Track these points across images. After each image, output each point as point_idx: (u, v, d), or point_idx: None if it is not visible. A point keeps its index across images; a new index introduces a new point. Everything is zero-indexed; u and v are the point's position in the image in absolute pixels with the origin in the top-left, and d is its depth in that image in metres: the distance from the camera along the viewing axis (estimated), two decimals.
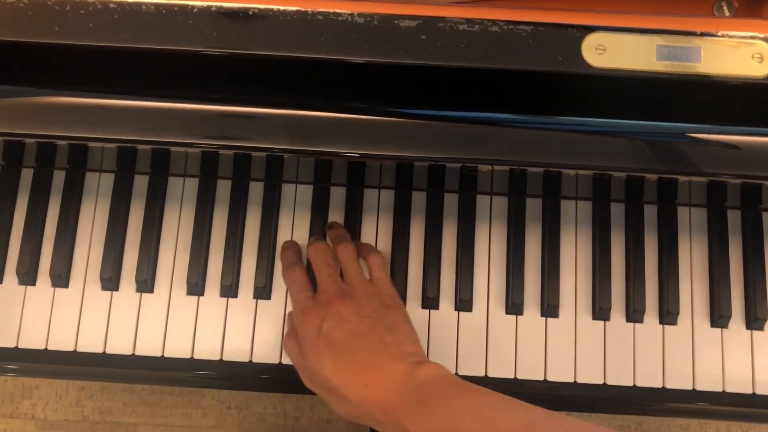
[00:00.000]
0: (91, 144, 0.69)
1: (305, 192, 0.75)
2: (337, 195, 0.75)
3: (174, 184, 0.74)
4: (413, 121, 0.55)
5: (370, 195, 0.75)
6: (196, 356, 0.71)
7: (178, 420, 1.04)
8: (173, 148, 0.69)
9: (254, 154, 0.71)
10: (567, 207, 0.74)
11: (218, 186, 0.74)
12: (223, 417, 1.05)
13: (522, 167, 0.69)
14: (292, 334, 0.68)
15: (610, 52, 0.51)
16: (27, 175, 0.74)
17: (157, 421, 1.04)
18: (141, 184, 0.74)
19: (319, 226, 0.74)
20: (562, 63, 0.51)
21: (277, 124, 0.54)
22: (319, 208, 0.74)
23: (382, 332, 0.63)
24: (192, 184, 0.74)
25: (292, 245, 0.73)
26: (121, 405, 1.05)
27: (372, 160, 0.71)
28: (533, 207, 0.74)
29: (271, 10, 0.51)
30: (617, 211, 0.74)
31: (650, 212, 0.74)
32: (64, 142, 0.70)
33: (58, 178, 0.74)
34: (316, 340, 0.63)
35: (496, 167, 0.71)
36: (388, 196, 0.75)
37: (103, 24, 0.51)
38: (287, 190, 0.75)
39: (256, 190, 0.74)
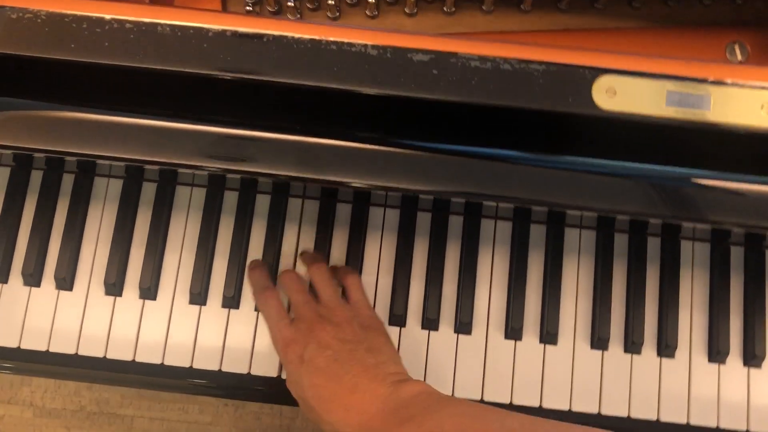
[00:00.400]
0: (99, 161, 0.69)
1: (312, 207, 0.75)
2: (343, 211, 0.75)
3: (182, 193, 0.75)
4: (421, 153, 0.55)
5: (375, 213, 0.75)
6: (196, 365, 0.72)
7: (175, 414, 1.05)
8: (181, 170, 0.70)
9: (261, 179, 0.71)
10: (571, 235, 0.74)
11: (225, 197, 0.74)
12: (219, 414, 1.05)
13: (525, 205, 0.69)
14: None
15: (620, 95, 0.51)
16: (36, 177, 0.75)
17: (154, 414, 1.05)
18: (149, 191, 0.75)
19: (323, 242, 0.74)
20: (572, 104, 0.51)
21: (286, 150, 0.55)
22: (325, 223, 0.74)
23: (363, 355, 0.62)
24: (199, 194, 0.75)
25: (260, 265, 0.72)
26: (119, 397, 1.05)
27: (378, 191, 0.71)
28: (537, 233, 0.74)
29: (285, 37, 0.51)
30: (620, 241, 0.74)
31: (653, 244, 0.74)
32: (73, 158, 0.71)
33: (67, 181, 0.75)
34: (299, 368, 0.63)
35: (501, 204, 0.71)
36: (393, 215, 0.75)
37: (118, 43, 0.52)
38: (293, 204, 0.75)
39: (263, 203, 0.75)
